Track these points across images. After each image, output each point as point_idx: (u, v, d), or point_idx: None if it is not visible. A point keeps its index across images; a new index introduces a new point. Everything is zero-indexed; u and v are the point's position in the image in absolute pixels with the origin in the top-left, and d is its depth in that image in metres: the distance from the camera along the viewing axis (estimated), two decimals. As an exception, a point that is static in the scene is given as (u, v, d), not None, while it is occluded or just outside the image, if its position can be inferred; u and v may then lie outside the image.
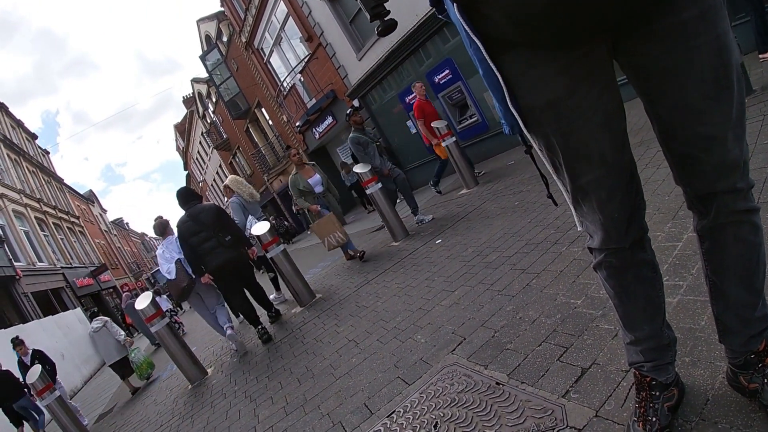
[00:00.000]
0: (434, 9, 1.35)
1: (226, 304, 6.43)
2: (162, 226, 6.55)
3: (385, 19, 1.19)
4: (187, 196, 6.14)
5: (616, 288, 1.45)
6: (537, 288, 3.02)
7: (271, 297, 7.29)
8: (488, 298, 3.25)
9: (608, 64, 1.21)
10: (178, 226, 5.88)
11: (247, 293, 6.18)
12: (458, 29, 1.20)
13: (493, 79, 1.21)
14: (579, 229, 1.40)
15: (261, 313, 6.30)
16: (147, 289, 24.81)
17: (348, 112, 7.84)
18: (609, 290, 1.48)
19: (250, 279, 6.21)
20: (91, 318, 9.10)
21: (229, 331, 5.94)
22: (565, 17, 1.05)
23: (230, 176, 7.27)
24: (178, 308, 19.92)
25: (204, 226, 5.73)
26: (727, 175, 1.22)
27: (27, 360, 7.94)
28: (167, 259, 6.16)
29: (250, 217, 7.09)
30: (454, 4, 1.14)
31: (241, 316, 6.90)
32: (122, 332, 8.43)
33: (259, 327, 5.71)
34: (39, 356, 8.04)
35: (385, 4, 1.18)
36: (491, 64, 1.18)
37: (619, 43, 1.18)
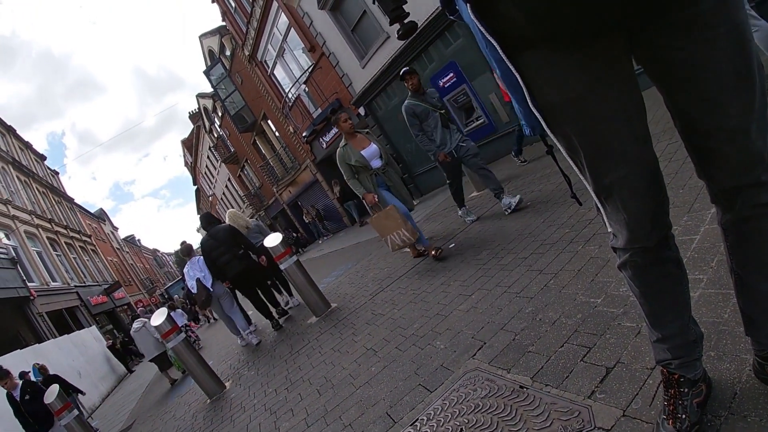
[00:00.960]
0: (444, 9, 1.34)
1: (239, 313, 7.64)
2: (187, 250, 7.78)
3: (405, 21, 1.16)
4: (208, 220, 7.55)
5: (641, 287, 1.43)
6: (555, 288, 3.00)
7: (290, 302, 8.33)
8: (506, 300, 3.23)
9: (627, 58, 1.19)
10: (201, 244, 7.31)
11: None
12: (472, 29, 1.19)
13: (512, 80, 1.20)
14: (609, 230, 1.39)
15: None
16: (163, 304, 24.70)
17: (401, 73, 5.95)
18: (634, 289, 1.46)
19: (261, 282, 7.60)
20: (132, 321, 11.27)
21: (247, 335, 7.40)
22: (584, 9, 1.04)
23: (228, 211, 8.32)
24: (195, 321, 19.96)
25: (221, 243, 7.04)
26: (751, 168, 1.20)
27: (16, 394, 7.64)
28: (191, 276, 7.38)
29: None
30: (468, 5, 1.13)
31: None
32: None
33: (273, 321, 7.24)
34: (30, 389, 7.75)
35: (404, 6, 1.16)
36: (509, 64, 1.17)
37: (636, 36, 1.16)
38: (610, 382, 1.91)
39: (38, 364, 10.89)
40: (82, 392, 10.42)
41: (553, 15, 1.06)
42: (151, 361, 9.85)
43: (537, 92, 1.20)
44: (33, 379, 9.83)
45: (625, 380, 1.87)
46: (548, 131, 1.24)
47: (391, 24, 1.40)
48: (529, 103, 1.20)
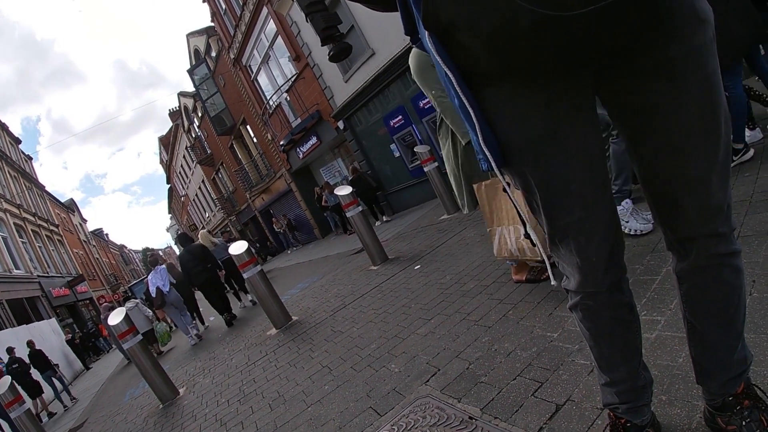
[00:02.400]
0: (407, 35, 1.26)
1: (188, 315, 9.81)
2: (153, 260, 9.96)
3: (339, 42, 1.08)
4: (185, 239, 10.07)
5: (591, 330, 1.41)
6: (514, 319, 2.98)
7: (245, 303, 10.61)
8: (464, 328, 3.20)
9: (592, 100, 1.16)
10: (180, 257, 9.59)
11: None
12: (432, 59, 1.13)
13: (467, 114, 1.15)
14: (553, 283, 1.36)
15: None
16: (128, 300, 24.17)
17: None
18: (584, 331, 1.44)
19: (220, 290, 9.53)
20: (125, 301, 13.14)
21: (194, 331, 9.42)
22: (548, 46, 0.99)
23: (200, 231, 10.64)
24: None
25: (195, 257, 9.23)
26: (710, 219, 1.18)
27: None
28: (153, 284, 9.43)
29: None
30: (427, 32, 1.07)
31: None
32: (150, 311, 10.99)
33: (225, 315, 9.17)
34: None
35: (338, 26, 1.08)
36: (464, 99, 1.12)
37: (603, 77, 1.13)
38: (559, 419, 1.89)
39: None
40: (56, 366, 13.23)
41: (515, 50, 1.01)
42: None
43: (497, 129, 1.15)
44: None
45: (574, 419, 1.85)
46: (498, 170, 1.20)
47: (322, 44, 1.36)
48: (481, 142, 1.15)
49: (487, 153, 1.15)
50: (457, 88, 1.10)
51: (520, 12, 0.91)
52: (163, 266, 9.60)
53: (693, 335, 1.39)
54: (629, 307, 1.38)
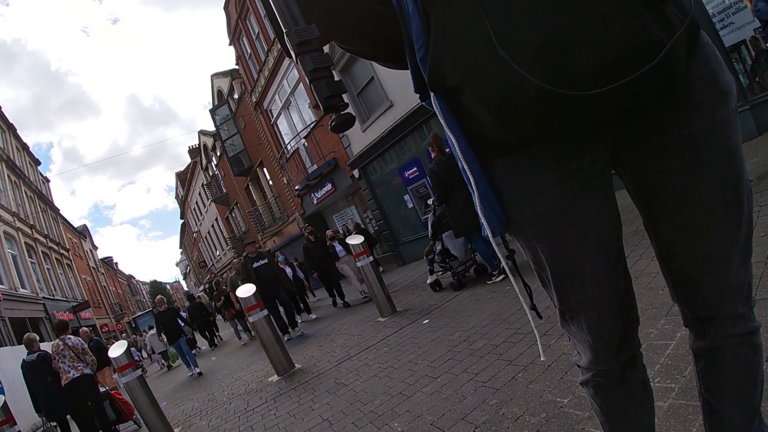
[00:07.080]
0: (419, 95, 1.19)
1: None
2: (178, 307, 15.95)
3: (342, 113, 1.02)
4: (191, 297, 16.41)
5: (603, 406, 1.35)
6: (523, 382, 2.90)
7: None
8: (471, 388, 3.12)
9: (608, 175, 1.11)
10: (188, 308, 14.92)
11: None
12: (441, 122, 1.08)
13: (469, 183, 1.10)
14: (542, 359, 1.31)
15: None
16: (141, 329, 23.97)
17: None
18: (595, 407, 1.38)
19: (210, 327, 15.97)
20: (149, 329, 17.95)
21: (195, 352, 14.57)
22: (557, 119, 0.94)
23: (200, 294, 17.72)
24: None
25: (196, 309, 14.79)
26: (729, 299, 1.14)
27: None
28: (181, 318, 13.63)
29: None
30: (433, 94, 1.04)
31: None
32: (165, 337, 13.09)
33: (214, 339, 16.49)
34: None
35: (343, 95, 1.02)
36: (465, 165, 1.07)
37: (619, 153, 1.09)
38: (567, 495, 1.81)
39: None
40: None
41: (522, 120, 0.97)
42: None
43: (506, 203, 1.11)
44: None
45: (583, 495, 1.77)
46: (496, 243, 1.15)
47: (324, 113, 1.32)
48: (479, 209, 1.09)
49: (484, 223, 1.10)
50: (459, 153, 1.06)
51: (527, 83, 0.87)
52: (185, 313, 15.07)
53: (708, 412, 1.33)
54: (642, 383, 1.32)
